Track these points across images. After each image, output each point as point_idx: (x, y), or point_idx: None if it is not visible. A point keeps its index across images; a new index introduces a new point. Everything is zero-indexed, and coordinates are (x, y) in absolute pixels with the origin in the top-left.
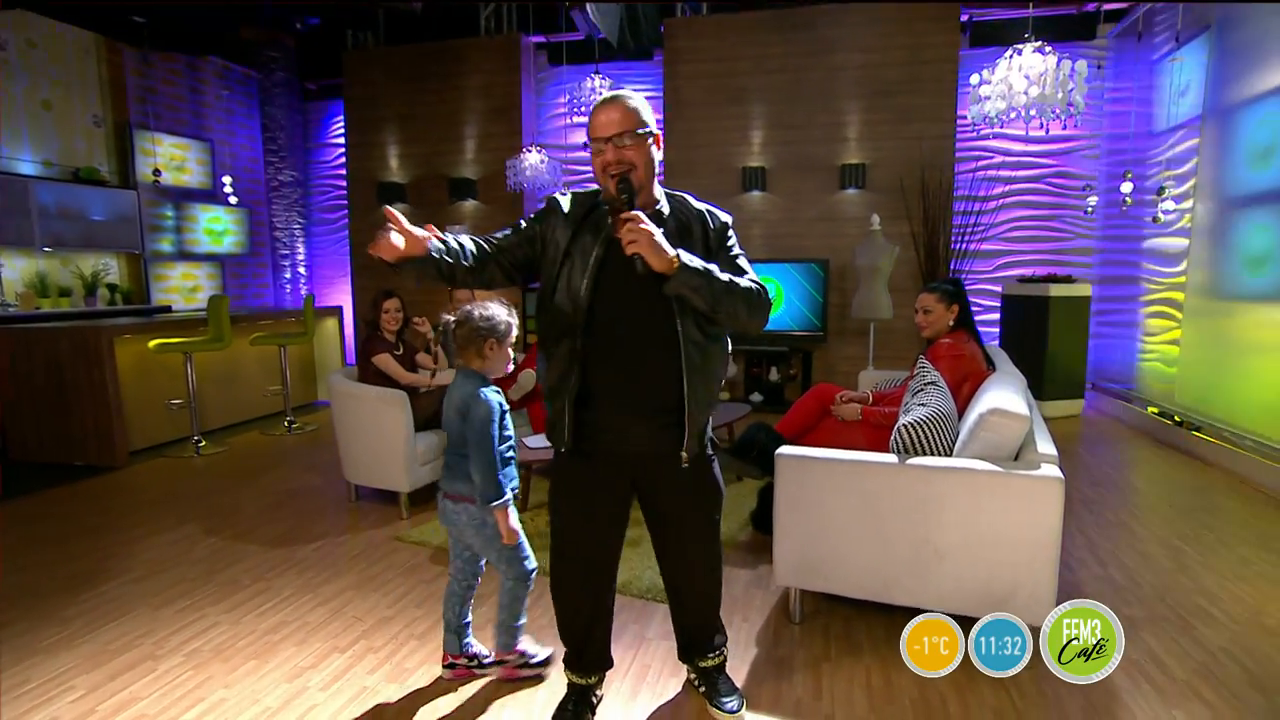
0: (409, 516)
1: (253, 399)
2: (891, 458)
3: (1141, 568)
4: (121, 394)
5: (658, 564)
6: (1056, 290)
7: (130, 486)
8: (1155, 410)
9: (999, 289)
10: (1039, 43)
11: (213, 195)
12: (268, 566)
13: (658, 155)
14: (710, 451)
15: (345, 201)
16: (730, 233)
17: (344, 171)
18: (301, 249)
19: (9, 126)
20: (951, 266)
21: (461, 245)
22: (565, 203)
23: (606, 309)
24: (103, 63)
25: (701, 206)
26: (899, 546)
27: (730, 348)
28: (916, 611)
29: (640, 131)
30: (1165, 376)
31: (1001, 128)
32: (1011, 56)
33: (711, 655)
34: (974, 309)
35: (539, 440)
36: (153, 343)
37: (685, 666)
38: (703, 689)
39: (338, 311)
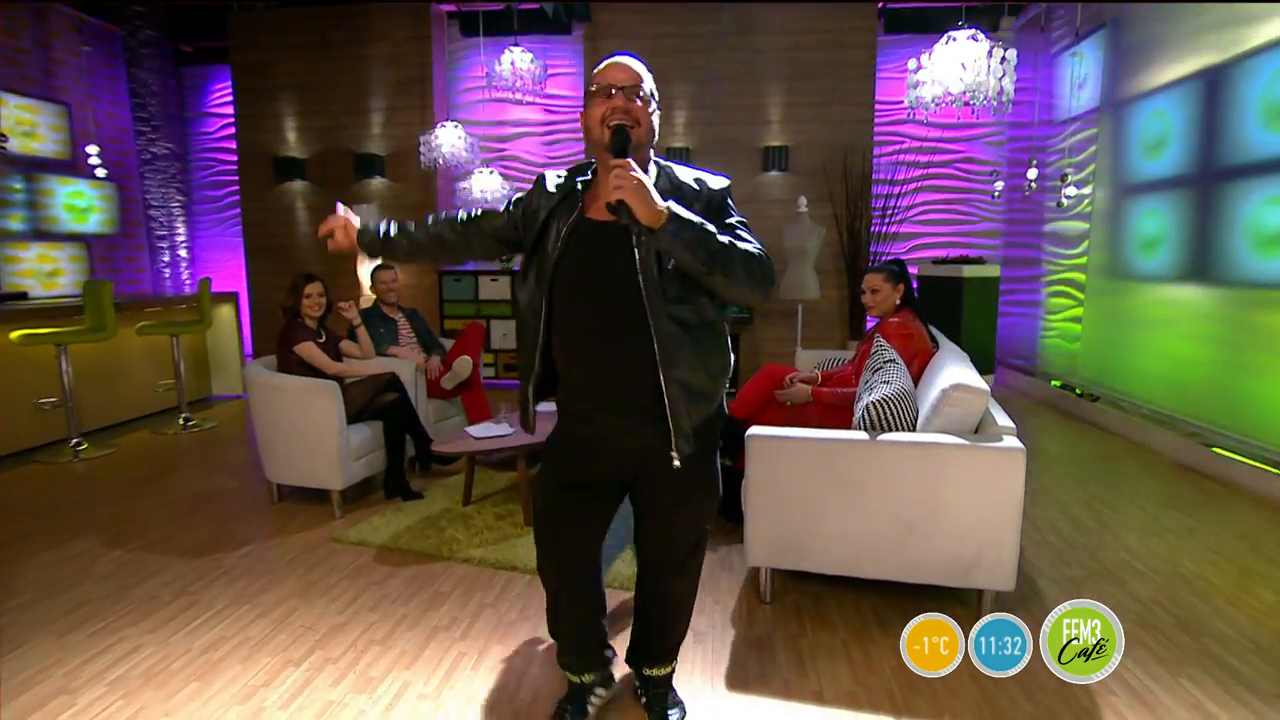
0: (343, 515)
1: (140, 395)
2: (862, 435)
3: (1073, 530)
4: None
5: (635, 557)
6: (969, 271)
7: (1, 500)
8: (1058, 384)
9: (914, 270)
10: (972, 30)
11: (73, 166)
12: (191, 578)
13: (656, 130)
14: (707, 449)
15: (235, 178)
16: (729, 200)
17: (233, 145)
18: (182, 229)
19: None
20: (871, 249)
21: (429, 221)
22: (551, 177)
23: (574, 287)
24: None
25: (691, 174)
26: (870, 521)
27: (728, 333)
28: (885, 584)
29: (650, 93)
30: (1067, 352)
31: (936, 113)
32: (947, 43)
33: (662, 664)
34: None
35: (482, 429)
36: (15, 334)
37: (631, 670)
38: (644, 699)
39: (234, 298)
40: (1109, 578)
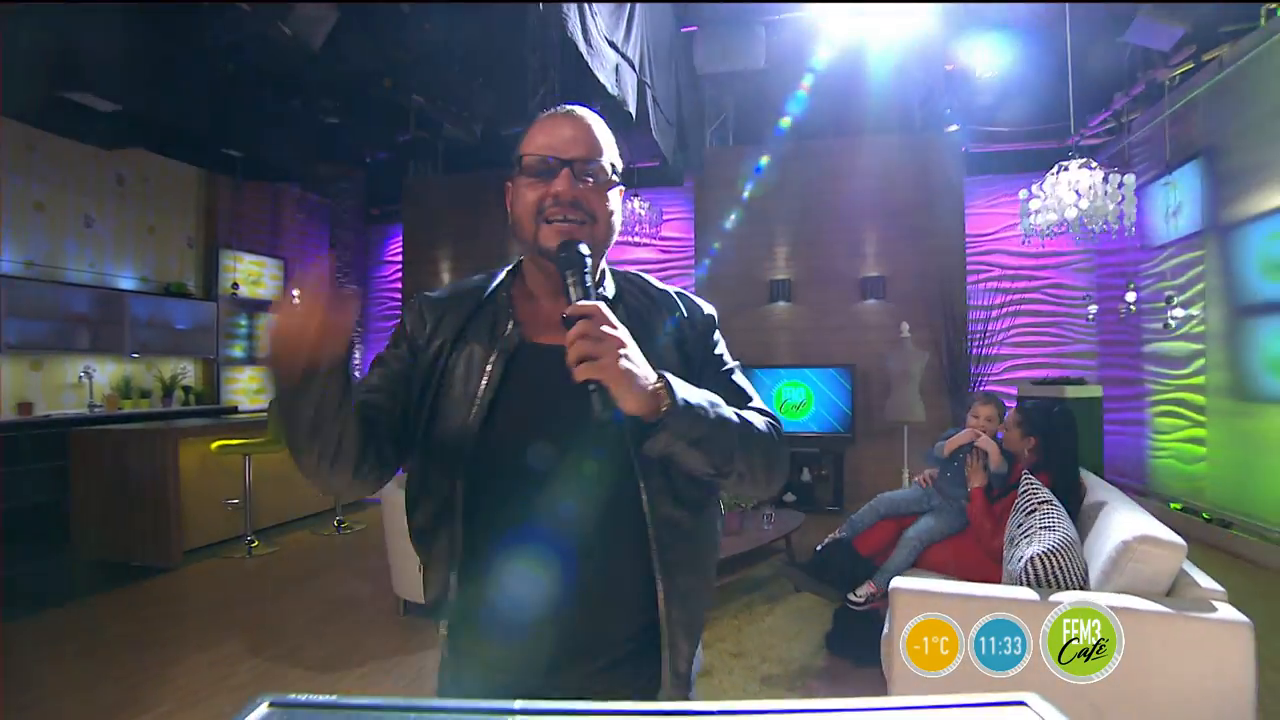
0: None
1: (303, 497)
2: (1030, 593)
3: (1272, 698)
4: (181, 493)
5: None
6: (1072, 391)
7: (181, 593)
8: (1178, 506)
9: (1013, 391)
10: (1084, 159)
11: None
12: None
13: (618, 224)
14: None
15: (400, 313)
16: (716, 333)
17: (399, 286)
18: (357, 355)
19: (118, 249)
20: (971, 370)
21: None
22: (431, 302)
23: (511, 471)
24: (201, 192)
25: (663, 288)
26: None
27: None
28: None
29: (610, 164)
30: (1184, 474)
31: (1051, 240)
32: (1059, 171)
33: None
34: None
35: None
36: (214, 444)
37: None
38: None
39: None
40: None
